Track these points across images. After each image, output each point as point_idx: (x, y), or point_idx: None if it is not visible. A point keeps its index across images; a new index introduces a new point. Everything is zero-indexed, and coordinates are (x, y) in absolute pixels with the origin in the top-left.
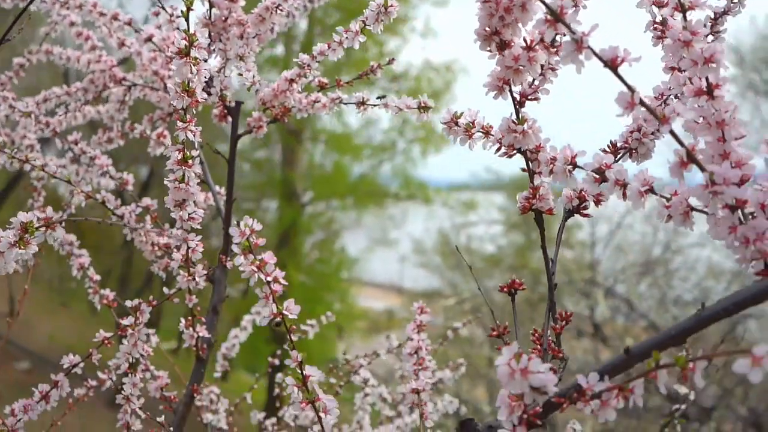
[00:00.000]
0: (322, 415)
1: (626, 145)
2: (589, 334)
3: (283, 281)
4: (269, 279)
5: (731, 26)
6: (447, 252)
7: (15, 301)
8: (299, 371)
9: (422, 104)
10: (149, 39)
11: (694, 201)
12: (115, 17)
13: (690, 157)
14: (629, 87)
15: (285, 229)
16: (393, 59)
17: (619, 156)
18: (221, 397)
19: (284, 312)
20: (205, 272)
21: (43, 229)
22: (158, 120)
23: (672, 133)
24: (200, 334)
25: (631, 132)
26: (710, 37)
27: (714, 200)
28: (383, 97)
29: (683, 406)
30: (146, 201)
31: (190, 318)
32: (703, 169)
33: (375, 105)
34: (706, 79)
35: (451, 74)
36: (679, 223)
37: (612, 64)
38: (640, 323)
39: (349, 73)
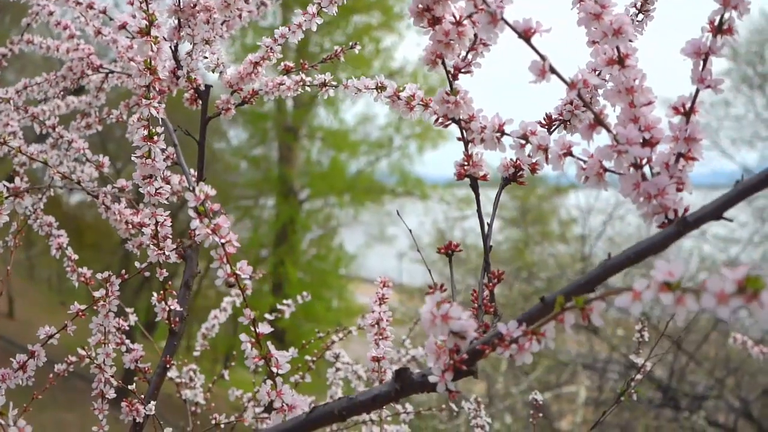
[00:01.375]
0: (274, 369)
1: (560, 117)
2: (581, 326)
3: (236, 243)
4: (223, 241)
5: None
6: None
7: (14, 301)
8: (253, 329)
9: (379, 84)
10: (123, 27)
11: (608, 163)
12: (90, 6)
13: (597, 120)
14: (541, 56)
15: (282, 226)
16: (356, 43)
17: (554, 127)
18: (198, 372)
19: (237, 272)
20: (175, 246)
21: (12, 198)
22: (134, 105)
23: (580, 97)
24: (172, 308)
25: (565, 104)
26: (640, 16)
27: (619, 159)
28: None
29: (639, 376)
30: (121, 182)
31: (162, 292)
32: (609, 131)
33: (335, 86)
34: (617, 48)
35: None
36: (594, 183)
37: (525, 35)
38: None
39: (345, 70)
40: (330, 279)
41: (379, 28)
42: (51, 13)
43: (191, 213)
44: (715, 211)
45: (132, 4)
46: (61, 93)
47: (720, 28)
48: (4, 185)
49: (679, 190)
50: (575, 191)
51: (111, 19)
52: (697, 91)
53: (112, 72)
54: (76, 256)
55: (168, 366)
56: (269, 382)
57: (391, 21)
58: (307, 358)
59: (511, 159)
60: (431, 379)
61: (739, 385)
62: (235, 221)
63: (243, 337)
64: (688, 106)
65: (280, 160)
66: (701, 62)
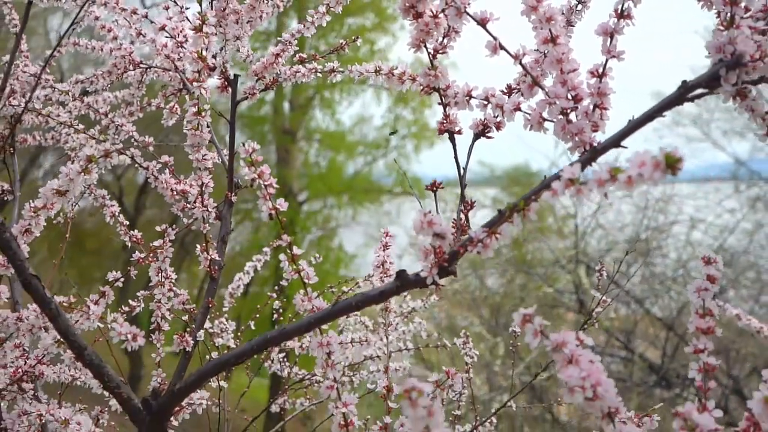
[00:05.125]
0: (305, 280)
1: (517, 87)
2: (575, 310)
3: (275, 185)
4: (266, 183)
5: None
6: None
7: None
8: (289, 251)
9: (377, 68)
10: (162, 28)
11: (546, 114)
12: (134, 12)
13: (534, 82)
14: (494, 37)
15: (282, 228)
16: (357, 37)
17: (513, 94)
18: (229, 319)
19: (277, 206)
20: (216, 205)
21: (103, 158)
22: (170, 95)
23: (522, 65)
24: (213, 257)
25: (521, 77)
26: (579, 6)
27: (551, 109)
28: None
29: (599, 309)
30: (164, 158)
31: (204, 244)
32: (543, 89)
33: (342, 71)
34: (550, 31)
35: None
36: (537, 128)
37: (482, 22)
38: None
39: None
40: (330, 279)
41: (373, 30)
42: (97, 18)
43: (242, 163)
44: (616, 141)
45: (167, 8)
46: (107, 86)
47: (622, 14)
48: (96, 148)
49: (594, 131)
50: None
51: (152, 22)
52: (606, 60)
53: (150, 67)
54: (127, 222)
55: (210, 306)
56: (301, 291)
57: (384, 22)
58: None
59: (480, 119)
60: (422, 274)
61: (730, 363)
62: (235, 224)
63: (282, 256)
64: (600, 71)
65: (279, 163)
66: (609, 39)
